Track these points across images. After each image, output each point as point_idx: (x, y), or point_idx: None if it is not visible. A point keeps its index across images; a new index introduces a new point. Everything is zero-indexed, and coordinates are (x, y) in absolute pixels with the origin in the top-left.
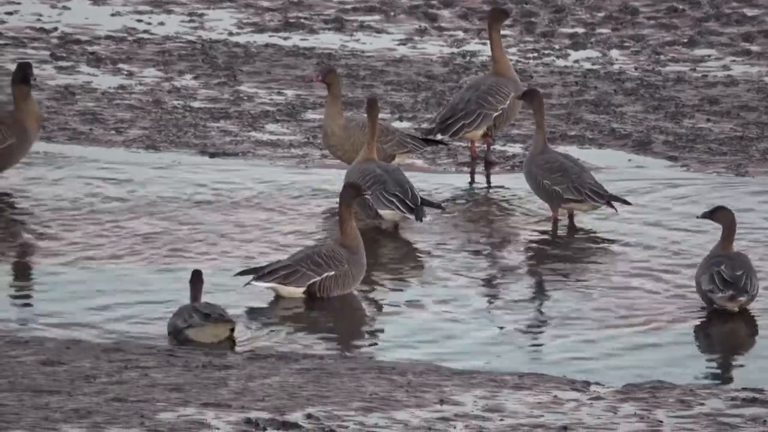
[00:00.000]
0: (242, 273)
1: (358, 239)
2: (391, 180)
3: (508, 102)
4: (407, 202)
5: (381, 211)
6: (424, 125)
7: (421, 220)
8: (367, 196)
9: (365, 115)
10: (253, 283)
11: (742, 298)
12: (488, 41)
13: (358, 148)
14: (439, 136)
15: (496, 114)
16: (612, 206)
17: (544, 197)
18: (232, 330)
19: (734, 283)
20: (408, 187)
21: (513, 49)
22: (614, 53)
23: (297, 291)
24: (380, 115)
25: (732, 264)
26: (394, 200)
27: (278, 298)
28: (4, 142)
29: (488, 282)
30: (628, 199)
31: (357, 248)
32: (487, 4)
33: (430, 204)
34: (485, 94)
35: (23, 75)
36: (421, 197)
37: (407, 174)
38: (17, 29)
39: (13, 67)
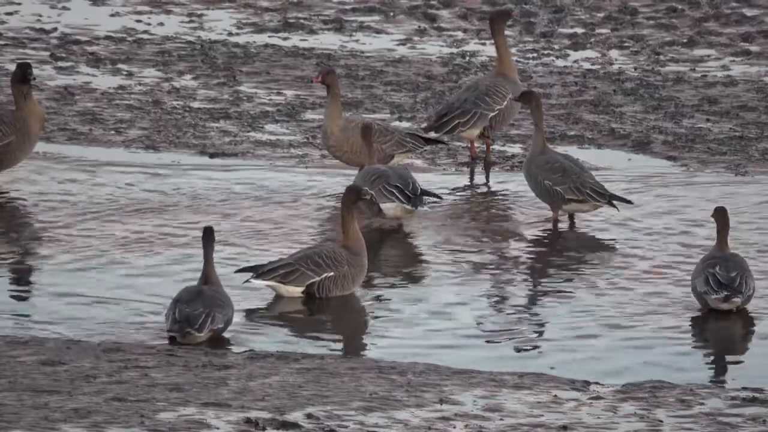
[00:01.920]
0: (241, 270)
1: (361, 241)
2: (394, 174)
3: (505, 103)
4: (407, 192)
5: (383, 206)
6: (424, 125)
7: (416, 208)
8: (367, 197)
9: (365, 116)
10: (252, 281)
11: (737, 300)
12: (492, 42)
13: (357, 149)
14: (432, 134)
15: (493, 114)
16: (613, 206)
17: (545, 198)
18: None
19: (729, 284)
20: (410, 180)
21: (513, 49)
22: (614, 53)
23: (296, 290)
24: (380, 116)
25: (727, 265)
26: (394, 191)
27: (278, 297)
28: (3, 140)
29: (488, 282)
30: (628, 198)
31: (359, 250)
32: (487, 4)
33: (429, 194)
34: (483, 95)
35: (22, 75)
36: (421, 188)
37: None
38: (17, 29)
39: (13, 67)
